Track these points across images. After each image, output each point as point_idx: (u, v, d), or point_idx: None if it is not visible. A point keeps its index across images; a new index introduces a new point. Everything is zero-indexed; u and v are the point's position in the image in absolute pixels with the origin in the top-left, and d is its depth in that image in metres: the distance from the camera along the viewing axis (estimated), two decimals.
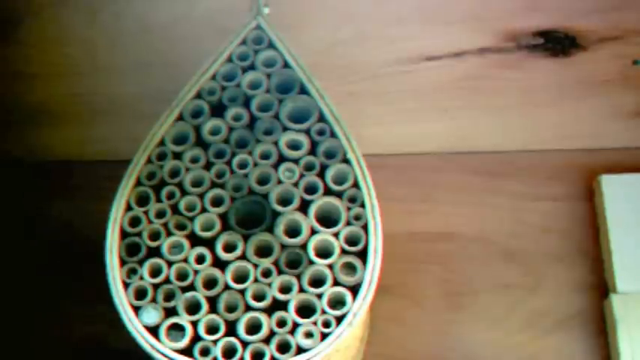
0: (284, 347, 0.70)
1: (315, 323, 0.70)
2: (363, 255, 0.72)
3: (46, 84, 0.99)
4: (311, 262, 0.72)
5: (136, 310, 0.71)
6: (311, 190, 0.74)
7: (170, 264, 0.73)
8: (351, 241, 0.72)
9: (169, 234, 0.73)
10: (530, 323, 0.88)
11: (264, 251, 0.73)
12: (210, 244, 0.73)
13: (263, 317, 0.71)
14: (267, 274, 0.72)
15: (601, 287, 0.89)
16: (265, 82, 0.77)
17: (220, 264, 0.72)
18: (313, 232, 0.73)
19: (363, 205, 0.73)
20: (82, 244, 0.91)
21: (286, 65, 0.77)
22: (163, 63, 0.96)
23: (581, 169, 0.93)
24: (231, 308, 0.71)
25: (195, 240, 0.73)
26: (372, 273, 0.71)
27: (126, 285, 0.72)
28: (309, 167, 0.74)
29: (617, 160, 0.92)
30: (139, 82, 0.97)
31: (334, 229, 0.72)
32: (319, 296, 0.71)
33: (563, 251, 0.90)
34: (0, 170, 0.97)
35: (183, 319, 0.71)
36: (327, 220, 0.73)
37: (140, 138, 0.76)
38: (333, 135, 0.75)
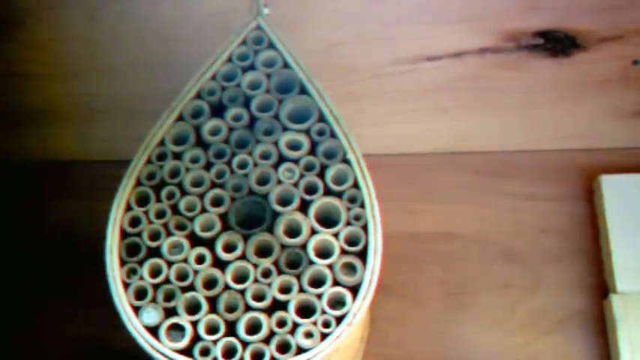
0: (284, 347, 0.70)
1: (315, 323, 0.70)
2: (363, 255, 0.72)
3: (47, 84, 0.99)
4: (311, 262, 0.72)
5: (136, 310, 0.71)
6: (311, 190, 0.74)
7: (170, 264, 0.73)
8: (351, 241, 0.72)
9: (169, 234, 0.73)
10: (529, 323, 0.88)
11: (264, 251, 0.73)
12: (210, 244, 0.73)
13: (263, 317, 0.71)
14: (267, 274, 0.72)
15: (601, 287, 0.89)
16: (265, 82, 0.77)
17: (220, 264, 0.72)
18: (313, 232, 0.73)
19: (363, 205, 0.73)
20: (82, 244, 0.91)
21: (286, 65, 0.77)
22: (163, 63, 0.96)
23: (581, 169, 0.93)
24: (231, 308, 0.71)
25: (195, 240, 0.73)
26: (372, 273, 0.71)
27: (126, 285, 0.72)
28: (309, 167, 0.75)
29: (617, 160, 0.92)
30: (139, 82, 0.97)
31: (334, 229, 0.73)
32: (319, 296, 0.71)
33: (563, 251, 0.90)
34: (0, 170, 0.98)
35: (183, 319, 0.71)
36: (327, 220, 0.73)
37: (140, 138, 0.76)
38: (333, 135, 0.75)
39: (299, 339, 0.70)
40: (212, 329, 0.71)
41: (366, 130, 0.90)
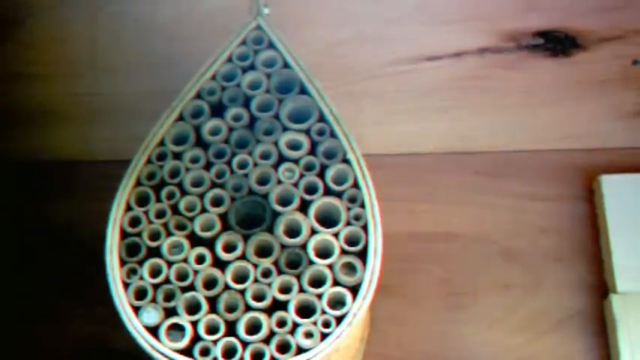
0: (284, 347, 0.70)
1: (315, 323, 0.70)
2: (363, 255, 0.72)
3: (47, 84, 0.99)
4: (311, 262, 0.72)
5: (136, 310, 0.71)
6: (311, 190, 0.74)
7: (170, 264, 0.73)
8: (351, 241, 0.72)
9: (169, 234, 0.73)
10: (529, 323, 0.88)
11: (264, 251, 0.73)
12: (210, 244, 0.73)
13: (263, 317, 0.71)
14: (267, 274, 0.72)
15: (601, 287, 0.89)
16: (265, 82, 0.77)
17: (220, 264, 0.72)
18: (313, 232, 0.73)
19: (363, 205, 0.73)
20: (82, 244, 0.91)
21: (286, 65, 0.77)
22: (163, 63, 0.96)
23: (581, 169, 0.93)
24: (231, 308, 0.71)
25: (195, 240, 0.73)
26: (372, 273, 0.71)
27: (126, 285, 0.72)
28: (309, 167, 0.75)
29: (617, 160, 0.92)
30: (139, 82, 0.97)
31: (334, 229, 0.72)
32: (319, 296, 0.71)
33: (563, 251, 0.90)
34: (0, 170, 0.98)
35: (183, 319, 0.71)
36: (327, 220, 0.73)
37: (140, 138, 0.76)
38: (333, 135, 0.75)
39: (299, 339, 0.70)
40: (212, 329, 0.71)
41: (366, 130, 0.90)
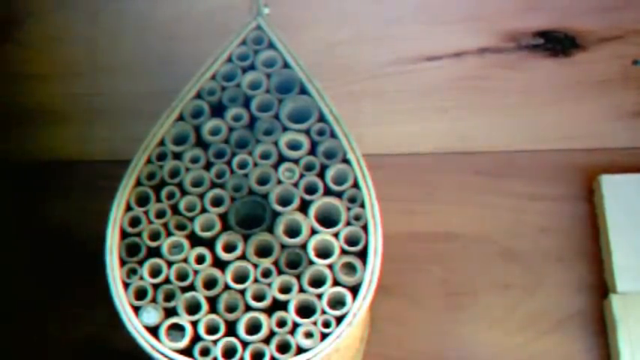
0: (284, 347, 0.70)
1: (315, 323, 0.70)
2: (363, 255, 0.72)
3: (46, 84, 0.99)
4: (311, 262, 0.72)
5: (136, 310, 0.71)
6: (311, 190, 0.74)
7: (170, 264, 0.73)
8: (351, 241, 0.72)
9: (169, 234, 0.73)
10: (529, 323, 0.88)
11: (264, 251, 0.73)
12: (210, 244, 0.73)
13: (263, 317, 0.71)
14: (267, 274, 0.72)
15: (601, 287, 0.89)
16: (265, 82, 0.77)
17: (220, 264, 0.72)
18: (313, 232, 0.73)
19: (363, 205, 0.73)
20: (82, 244, 0.91)
21: (286, 65, 0.77)
22: (163, 63, 0.96)
23: (581, 169, 0.93)
24: (231, 308, 0.71)
25: (195, 240, 0.73)
26: (372, 273, 0.71)
27: (126, 285, 0.72)
28: (309, 167, 0.74)
29: (617, 160, 0.93)
30: (139, 82, 0.97)
31: (334, 229, 0.72)
32: (319, 296, 0.71)
33: (563, 251, 0.90)
34: (0, 170, 0.98)
35: (183, 319, 0.71)
36: (327, 220, 0.73)
37: (140, 138, 0.76)
38: (333, 135, 0.75)
39: (299, 339, 0.70)
40: (212, 329, 0.71)
41: (366, 130, 0.90)
